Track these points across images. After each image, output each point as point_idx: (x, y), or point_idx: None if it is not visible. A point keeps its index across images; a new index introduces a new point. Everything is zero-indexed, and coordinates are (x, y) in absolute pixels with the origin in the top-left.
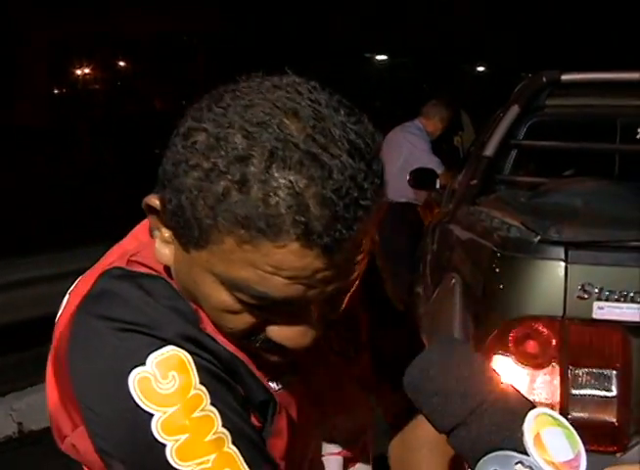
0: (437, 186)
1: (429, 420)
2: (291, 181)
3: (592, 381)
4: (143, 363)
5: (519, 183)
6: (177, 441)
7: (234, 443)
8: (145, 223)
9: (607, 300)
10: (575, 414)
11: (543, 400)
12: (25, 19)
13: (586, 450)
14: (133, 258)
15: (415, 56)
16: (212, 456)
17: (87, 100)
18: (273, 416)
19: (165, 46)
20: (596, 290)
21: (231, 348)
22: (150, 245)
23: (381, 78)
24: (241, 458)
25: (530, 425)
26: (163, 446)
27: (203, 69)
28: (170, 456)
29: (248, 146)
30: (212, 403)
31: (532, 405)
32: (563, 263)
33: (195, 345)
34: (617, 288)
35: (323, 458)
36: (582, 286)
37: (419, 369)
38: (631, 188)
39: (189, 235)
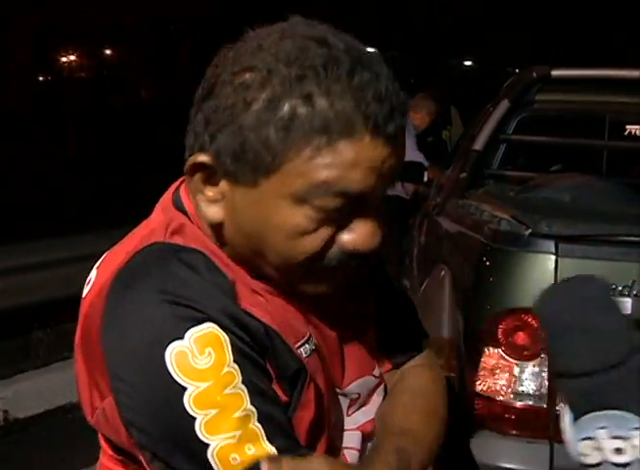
0: (425, 179)
1: (555, 359)
2: (350, 86)
3: None
4: (181, 337)
5: (507, 177)
6: (207, 415)
7: (259, 420)
8: (161, 203)
9: None
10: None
11: (532, 392)
12: (9, 4)
13: None
14: (171, 232)
15: (402, 50)
16: (238, 432)
17: (72, 87)
18: (303, 387)
19: (152, 33)
20: None
21: (266, 319)
22: (179, 219)
23: None
24: (264, 435)
25: None
26: (193, 419)
27: (189, 56)
28: (199, 429)
29: (298, 68)
30: (243, 382)
31: None
32: (553, 257)
33: (232, 321)
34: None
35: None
36: None
37: (563, 307)
38: (618, 184)
39: (259, 167)
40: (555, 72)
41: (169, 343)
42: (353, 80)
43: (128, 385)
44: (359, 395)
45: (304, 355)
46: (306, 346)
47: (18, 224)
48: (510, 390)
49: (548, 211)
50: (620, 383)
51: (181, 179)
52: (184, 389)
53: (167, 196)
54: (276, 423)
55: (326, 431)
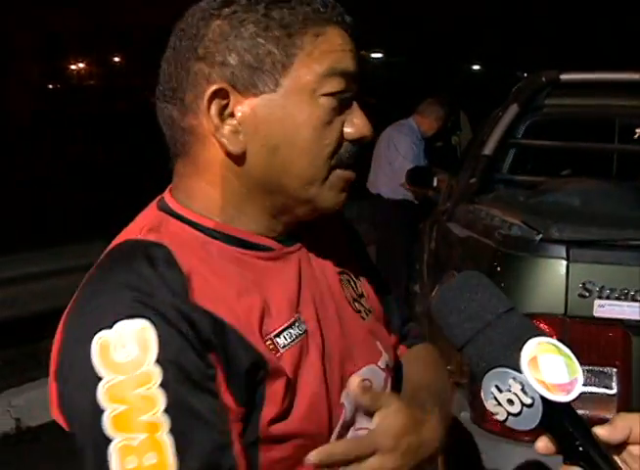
0: (435, 184)
1: (447, 338)
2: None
3: (593, 379)
4: (109, 327)
5: (517, 182)
6: (115, 409)
7: (172, 433)
8: (146, 208)
9: (608, 298)
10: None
11: None
12: (17, 13)
13: None
14: (147, 229)
15: (410, 54)
16: (142, 436)
17: (80, 95)
18: (265, 381)
19: (159, 40)
20: (597, 288)
21: (222, 312)
22: (158, 217)
23: (376, 76)
24: (171, 450)
25: (530, 348)
26: (103, 410)
27: None
28: (106, 422)
29: None
30: (162, 386)
31: (538, 333)
32: (564, 262)
33: (176, 317)
34: (618, 286)
35: (355, 433)
36: (583, 284)
37: (441, 293)
38: (629, 188)
39: (275, 66)
40: (564, 76)
41: (98, 331)
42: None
43: (59, 368)
44: (371, 384)
45: (285, 342)
46: (290, 330)
47: (27, 232)
48: None
49: (559, 215)
50: (492, 343)
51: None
52: (100, 378)
53: (152, 202)
54: (195, 442)
55: (326, 425)
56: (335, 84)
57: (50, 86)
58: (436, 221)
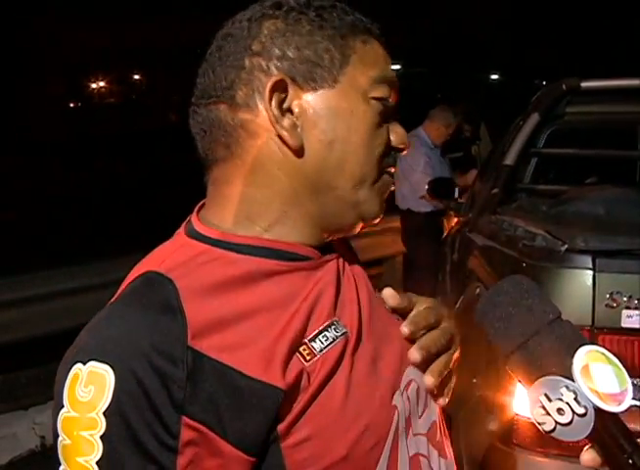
0: (456, 195)
1: (493, 344)
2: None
3: None
4: (84, 362)
5: (539, 191)
6: (63, 440)
7: None
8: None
9: (636, 308)
10: None
11: None
12: (42, 32)
13: None
14: (163, 259)
15: (429, 66)
16: None
17: (103, 113)
18: (287, 415)
19: (179, 57)
20: (625, 298)
21: (228, 357)
22: (181, 241)
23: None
24: None
25: (581, 356)
26: (57, 435)
27: None
28: (58, 446)
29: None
30: (102, 438)
31: (588, 342)
32: (591, 272)
33: (148, 374)
34: None
35: (415, 438)
36: (611, 294)
37: (488, 297)
38: None
39: (334, 63)
40: (585, 84)
41: (76, 362)
42: (347, 12)
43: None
44: (418, 385)
45: (322, 345)
46: (326, 333)
47: (46, 250)
48: None
49: (583, 225)
50: (542, 351)
51: (196, 208)
52: (62, 406)
53: (181, 227)
54: None
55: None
56: (384, 90)
57: (72, 105)
58: (459, 232)
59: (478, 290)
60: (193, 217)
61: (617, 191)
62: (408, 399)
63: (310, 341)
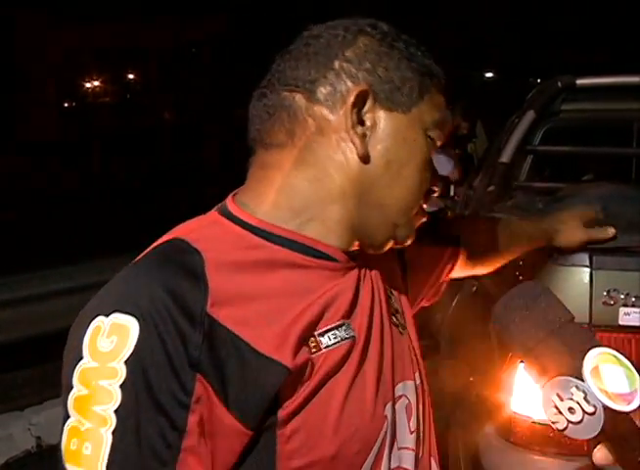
0: (452, 194)
1: (510, 347)
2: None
3: None
4: (106, 315)
5: (535, 189)
6: (79, 391)
7: (113, 433)
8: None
9: (633, 305)
10: None
11: None
12: (36, 31)
13: None
14: (192, 229)
15: None
16: (89, 425)
17: (96, 112)
18: (288, 395)
19: (172, 56)
20: (622, 296)
21: (243, 330)
22: (212, 217)
23: None
24: (107, 450)
25: (591, 357)
26: (71, 387)
27: (211, 80)
28: (69, 399)
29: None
30: (121, 386)
31: (598, 344)
32: (588, 269)
33: (170, 331)
34: None
35: (399, 452)
36: (608, 292)
37: (503, 301)
38: None
39: (411, 96)
40: (580, 81)
41: (97, 315)
42: (427, 56)
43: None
44: (409, 401)
45: (329, 342)
46: (336, 332)
47: (44, 249)
48: None
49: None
50: (554, 352)
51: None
52: (81, 357)
53: (215, 207)
54: (129, 455)
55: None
56: (439, 134)
57: (66, 105)
58: None
59: (474, 288)
60: (228, 200)
61: (613, 188)
62: (397, 412)
63: (319, 335)
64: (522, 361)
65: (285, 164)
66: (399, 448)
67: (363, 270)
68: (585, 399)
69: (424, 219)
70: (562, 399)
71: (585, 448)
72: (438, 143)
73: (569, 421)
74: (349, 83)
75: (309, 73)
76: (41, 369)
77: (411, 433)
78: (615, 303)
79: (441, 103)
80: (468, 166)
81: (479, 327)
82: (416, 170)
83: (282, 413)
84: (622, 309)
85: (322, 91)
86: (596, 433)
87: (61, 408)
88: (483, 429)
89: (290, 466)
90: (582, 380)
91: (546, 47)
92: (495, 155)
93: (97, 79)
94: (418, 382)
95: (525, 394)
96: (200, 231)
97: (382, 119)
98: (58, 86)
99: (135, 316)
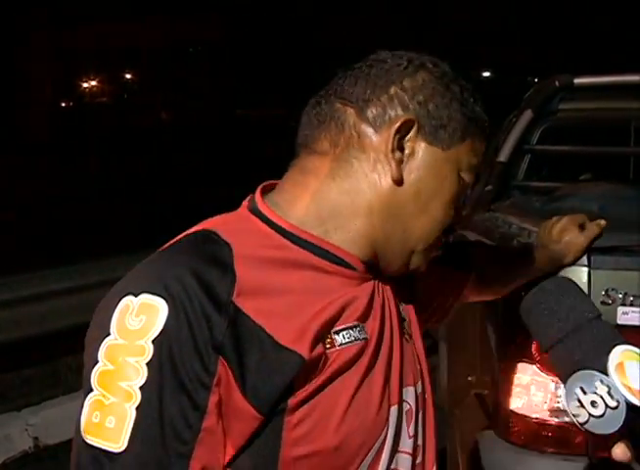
0: None
1: (536, 337)
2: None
3: None
4: (135, 294)
5: (533, 188)
6: (105, 366)
7: (137, 409)
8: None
9: (631, 305)
10: None
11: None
12: (32, 30)
13: None
14: (224, 222)
15: None
16: (113, 399)
17: (93, 112)
18: (299, 388)
19: (169, 56)
20: (620, 295)
21: (264, 320)
22: (243, 213)
23: None
24: (130, 424)
25: (616, 354)
26: (96, 362)
27: (209, 79)
28: (93, 374)
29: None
30: (148, 364)
31: (623, 341)
32: (586, 269)
33: (197, 314)
34: None
35: (399, 455)
36: (606, 291)
37: (532, 294)
38: None
39: (454, 136)
40: (578, 81)
41: (127, 294)
42: (478, 102)
43: (98, 305)
44: (410, 406)
45: (343, 340)
46: (350, 331)
47: (42, 249)
48: (546, 406)
49: None
50: (580, 346)
51: (259, 188)
52: (108, 334)
53: (244, 203)
54: (151, 433)
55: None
56: (470, 177)
57: (63, 104)
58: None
59: None
60: (257, 196)
61: (611, 188)
62: (400, 416)
63: (335, 333)
64: (546, 353)
65: (322, 171)
66: (399, 452)
67: (377, 282)
68: (609, 393)
69: (438, 254)
70: (585, 393)
71: (584, 448)
72: (469, 185)
73: (590, 415)
74: (399, 110)
75: (365, 92)
76: (39, 370)
77: (410, 438)
78: (613, 302)
79: (480, 150)
80: None
81: (477, 327)
82: (442, 205)
83: (292, 401)
84: (621, 309)
85: (372, 111)
86: (617, 428)
87: (60, 409)
88: (482, 429)
89: (293, 453)
90: (607, 375)
91: (544, 47)
92: (493, 154)
93: (93, 79)
94: (420, 390)
95: (524, 393)
96: (230, 225)
97: (421, 150)
98: (54, 86)
99: (164, 298)
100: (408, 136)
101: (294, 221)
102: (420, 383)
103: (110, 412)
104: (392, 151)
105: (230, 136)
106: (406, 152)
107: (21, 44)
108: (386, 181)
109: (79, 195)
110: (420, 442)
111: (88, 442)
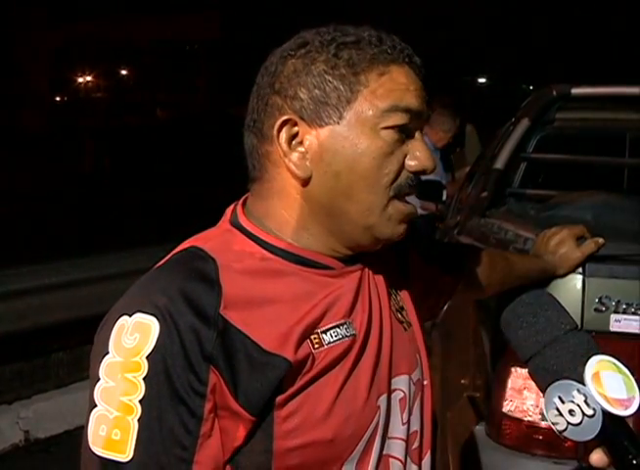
0: (445, 198)
1: (515, 349)
2: (380, 38)
3: None
4: (129, 315)
5: (529, 196)
6: (106, 382)
7: (139, 421)
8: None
9: (624, 312)
10: None
11: None
12: (28, 26)
13: None
14: (207, 238)
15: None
16: (116, 413)
17: (89, 108)
18: (287, 388)
19: (166, 53)
20: (613, 303)
21: (250, 329)
22: (225, 226)
23: None
24: (134, 435)
25: (593, 364)
26: (98, 380)
27: (204, 77)
28: (96, 390)
29: (343, 34)
30: (144, 379)
31: (599, 352)
32: (580, 276)
33: (186, 329)
34: (635, 301)
35: (390, 441)
36: (600, 299)
37: (511, 307)
38: None
39: (340, 100)
40: (575, 90)
41: (122, 315)
42: (381, 42)
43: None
44: (404, 394)
45: (331, 339)
46: (337, 330)
47: (37, 244)
48: (538, 410)
49: None
50: (558, 357)
51: (242, 199)
52: (107, 352)
53: (226, 215)
54: (155, 441)
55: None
56: (396, 119)
57: (58, 99)
58: (446, 235)
59: None
60: (238, 209)
61: (606, 197)
62: (391, 404)
63: (322, 332)
64: (525, 365)
65: (263, 194)
66: (390, 438)
67: (364, 272)
68: (586, 401)
69: (410, 211)
70: (563, 402)
71: (574, 452)
72: (410, 124)
73: (569, 423)
74: (277, 115)
75: (255, 113)
76: (30, 363)
77: (403, 424)
78: (606, 309)
79: (393, 85)
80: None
81: (470, 330)
82: (366, 171)
83: (280, 397)
84: (613, 316)
85: (266, 128)
86: (594, 435)
87: (51, 402)
88: (474, 430)
89: (287, 445)
90: (584, 384)
91: (539, 54)
92: (489, 161)
93: (89, 75)
94: (418, 377)
95: (516, 396)
96: (215, 240)
97: (314, 138)
98: (49, 80)
99: (155, 316)
100: (297, 132)
101: (270, 232)
102: (418, 370)
103: (115, 425)
104: (286, 155)
105: (226, 134)
106: (306, 145)
107: (18, 41)
108: (304, 182)
109: (74, 190)
110: (416, 427)
111: (97, 453)
